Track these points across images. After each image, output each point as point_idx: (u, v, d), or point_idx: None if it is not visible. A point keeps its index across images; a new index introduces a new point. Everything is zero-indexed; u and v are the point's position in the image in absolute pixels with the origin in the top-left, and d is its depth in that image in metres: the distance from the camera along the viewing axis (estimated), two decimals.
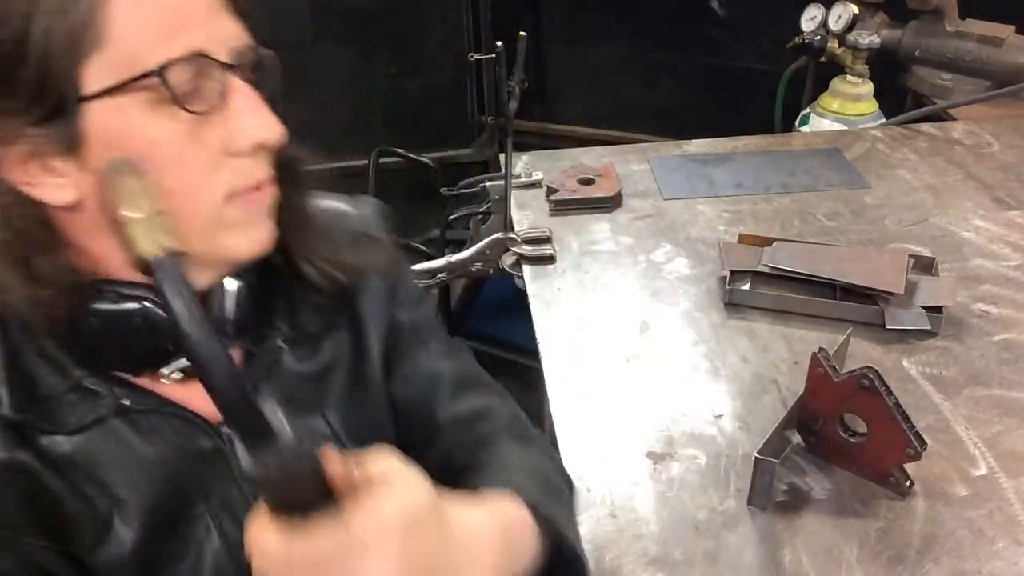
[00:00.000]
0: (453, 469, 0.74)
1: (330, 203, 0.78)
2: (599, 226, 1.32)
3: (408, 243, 1.97)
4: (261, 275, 0.68)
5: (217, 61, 0.55)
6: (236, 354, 0.70)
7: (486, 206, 1.40)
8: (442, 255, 1.32)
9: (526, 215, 1.36)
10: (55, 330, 0.60)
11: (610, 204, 1.36)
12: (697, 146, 1.56)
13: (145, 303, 0.60)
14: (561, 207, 1.36)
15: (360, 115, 2.42)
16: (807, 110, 1.90)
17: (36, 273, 0.58)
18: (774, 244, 1.16)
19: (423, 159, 2.21)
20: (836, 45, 1.88)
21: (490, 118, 2.40)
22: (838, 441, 0.86)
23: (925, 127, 1.60)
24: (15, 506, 0.59)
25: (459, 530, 0.53)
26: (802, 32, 1.94)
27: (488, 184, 1.39)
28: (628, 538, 0.82)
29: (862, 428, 0.85)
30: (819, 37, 1.89)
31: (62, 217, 0.59)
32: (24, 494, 0.60)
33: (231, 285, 0.66)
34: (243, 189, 0.59)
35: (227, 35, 0.57)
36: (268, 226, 0.63)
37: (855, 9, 1.85)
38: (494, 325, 2.21)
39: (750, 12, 2.31)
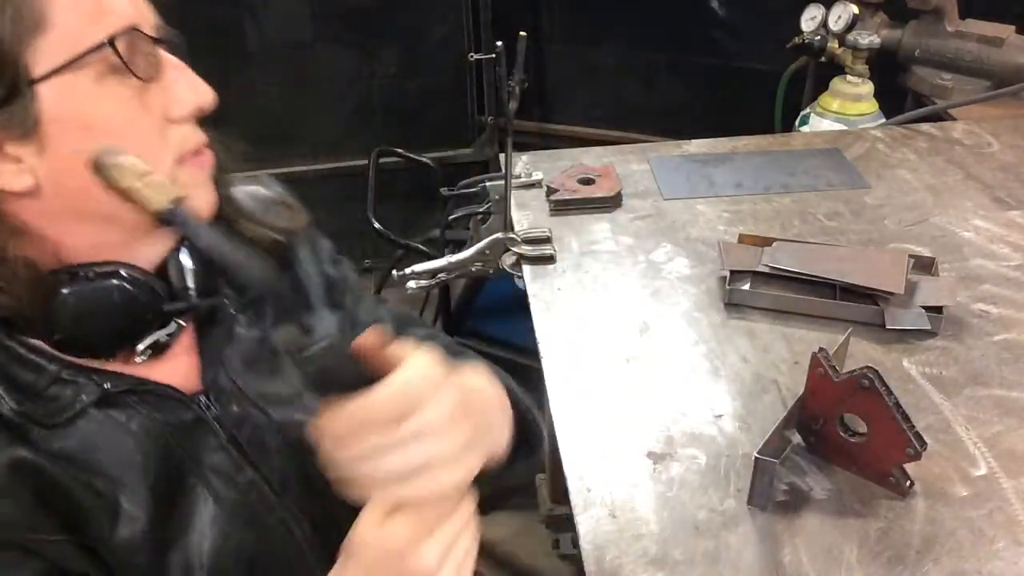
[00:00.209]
0: None
1: (238, 179, 0.82)
2: (599, 226, 1.32)
3: (408, 243, 1.97)
4: None
5: (148, 35, 0.61)
6: (190, 332, 0.73)
7: (486, 206, 1.40)
8: (442, 255, 1.32)
9: (526, 215, 1.36)
10: (31, 325, 0.62)
11: (610, 204, 1.36)
12: (697, 146, 1.56)
13: (120, 276, 0.63)
14: (561, 207, 1.36)
15: (360, 115, 2.42)
16: (807, 110, 1.90)
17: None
18: (774, 244, 1.16)
19: (423, 159, 2.21)
20: (836, 45, 1.88)
21: (490, 118, 2.40)
22: (838, 441, 0.86)
23: (925, 127, 1.60)
24: (29, 505, 0.61)
25: (476, 397, 0.65)
26: (802, 32, 1.94)
27: (488, 184, 1.39)
28: (628, 538, 0.82)
29: (862, 428, 0.85)
30: (819, 37, 1.89)
31: (19, 204, 0.60)
32: (35, 491, 0.61)
33: (186, 256, 0.70)
34: (188, 153, 0.64)
35: (147, 15, 0.63)
36: (212, 190, 0.67)
37: (855, 9, 1.85)
38: (494, 325, 2.21)
39: (750, 12, 2.31)
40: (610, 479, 0.88)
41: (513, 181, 1.40)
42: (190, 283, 0.70)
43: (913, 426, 0.81)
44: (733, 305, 1.12)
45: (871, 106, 1.80)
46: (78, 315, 0.62)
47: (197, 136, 0.66)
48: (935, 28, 1.80)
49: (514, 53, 1.21)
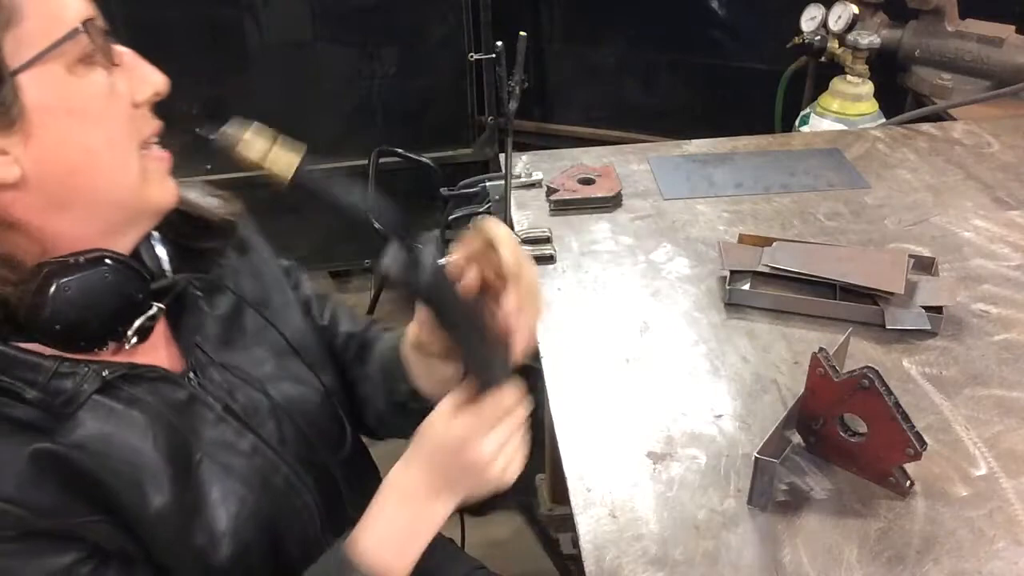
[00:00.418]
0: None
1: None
2: (599, 226, 1.32)
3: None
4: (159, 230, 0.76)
5: (102, 27, 0.64)
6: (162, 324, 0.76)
7: (486, 206, 1.40)
8: (442, 255, 1.32)
9: (526, 215, 1.36)
10: (25, 325, 0.64)
11: (610, 204, 1.36)
12: (697, 146, 1.56)
13: (107, 261, 0.66)
14: (561, 207, 1.36)
15: (360, 115, 2.42)
16: (807, 110, 1.90)
17: None
18: (774, 244, 1.16)
19: (423, 159, 2.21)
20: (836, 45, 1.88)
21: (490, 118, 2.39)
22: (838, 441, 0.86)
23: (925, 127, 1.60)
24: (57, 492, 0.63)
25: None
26: (802, 32, 1.94)
27: (488, 184, 1.39)
28: (628, 538, 0.82)
29: (862, 428, 0.85)
30: (819, 37, 1.89)
31: (6, 197, 0.63)
32: (61, 478, 0.63)
33: (157, 243, 0.75)
34: (149, 136, 0.69)
35: (94, 10, 0.65)
36: (173, 183, 0.72)
37: (855, 9, 1.85)
38: None
39: (750, 12, 2.31)
40: (610, 479, 0.88)
41: (513, 181, 1.40)
42: (166, 266, 0.75)
43: (913, 426, 0.81)
44: (733, 305, 1.12)
45: (871, 106, 1.80)
46: (79, 302, 0.64)
47: (155, 121, 0.70)
48: (935, 28, 1.80)
49: (514, 53, 1.21)
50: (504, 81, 1.27)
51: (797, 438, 0.91)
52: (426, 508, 0.73)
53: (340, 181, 0.63)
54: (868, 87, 1.80)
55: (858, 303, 1.08)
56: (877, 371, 0.81)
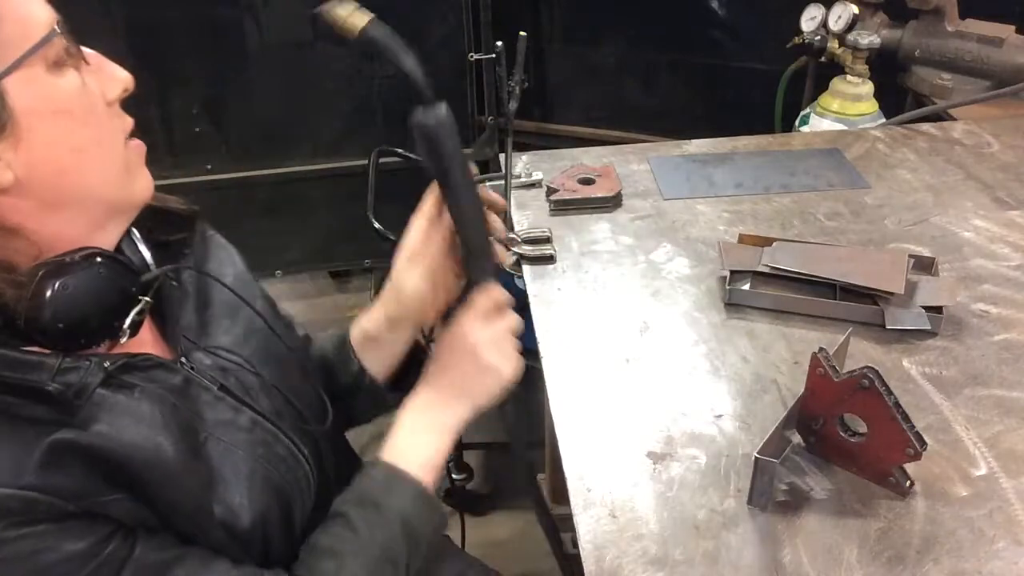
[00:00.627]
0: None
1: None
2: (599, 226, 1.32)
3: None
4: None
5: (66, 31, 0.66)
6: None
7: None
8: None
9: (526, 215, 1.36)
10: (26, 327, 0.64)
11: (610, 204, 1.36)
12: (697, 146, 1.56)
13: (99, 258, 0.68)
14: (561, 207, 1.36)
15: (360, 115, 2.42)
16: (807, 110, 1.90)
17: None
18: (774, 244, 1.16)
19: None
20: (836, 45, 1.87)
21: (490, 118, 2.39)
22: (838, 441, 0.86)
23: (925, 127, 1.60)
24: (80, 474, 0.65)
25: None
26: (802, 32, 1.94)
27: (488, 184, 1.39)
28: (628, 538, 0.82)
29: (862, 428, 0.85)
30: (819, 37, 1.89)
31: (1, 204, 0.64)
32: (82, 461, 0.65)
33: (138, 238, 0.78)
34: (127, 131, 0.72)
35: (57, 14, 0.67)
36: (148, 173, 0.75)
37: (855, 9, 1.85)
38: None
39: (750, 12, 2.31)
40: (610, 479, 0.88)
41: (513, 181, 1.40)
42: (149, 260, 0.78)
43: (913, 426, 0.81)
44: (733, 305, 1.13)
45: (871, 106, 1.80)
46: (78, 300, 0.66)
47: (128, 118, 0.73)
48: (935, 28, 1.80)
49: (514, 53, 1.21)
50: (504, 81, 1.27)
51: (797, 438, 0.91)
52: (443, 412, 0.87)
53: (400, 44, 0.81)
54: (868, 87, 1.80)
55: (858, 303, 1.08)
56: (877, 371, 0.81)
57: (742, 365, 1.03)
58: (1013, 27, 1.75)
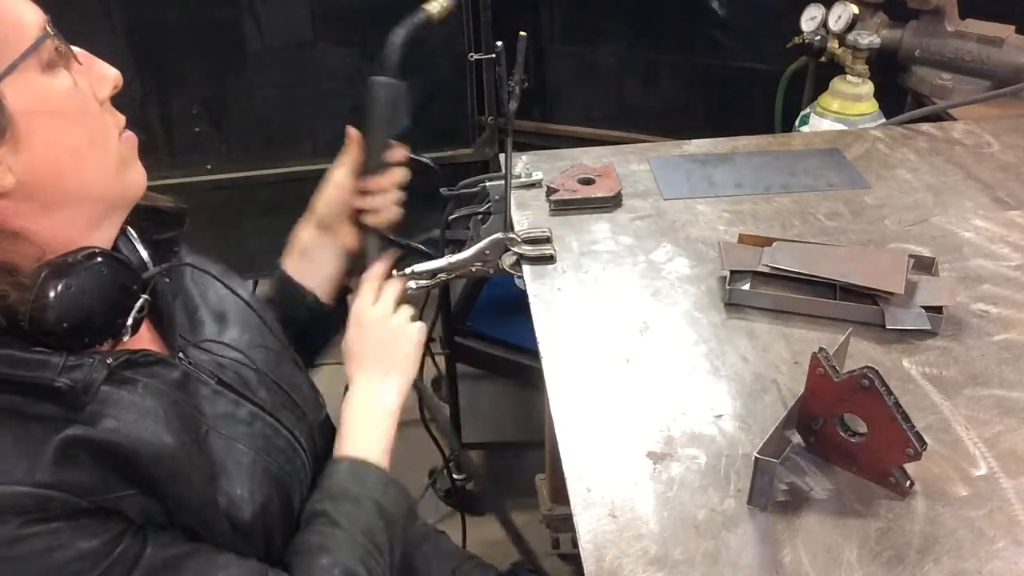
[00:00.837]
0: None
1: None
2: (599, 226, 1.32)
3: (408, 243, 1.96)
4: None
5: (55, 32, 0.67)
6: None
7: (486, 206, 1.40)
8: (442, 255, 1.32)
9: (526, 215, 1.36)
10: (36, 323, 0.65)
11: (610, 204, 1.36)
12: (697, 146, 1.56)
13: (99, 257, 0.69)
14: (561, 207, 1.36)
15: (360, 115, 2.43)
16: (807, 110, 1.90)
17: None
18: (774, 244, 1.16)
19: (423, 159, 2.21)
20: (836, 45, 1.87)
21: (490, 118, 2.39)
22: (838, 441, 0.86)
23: (925, 127, 1.60)
24: (93, 469, 0.66)
25: None
26: (802, 32, 1.94)
27: (488, 184, 1.39)
28: (628, 538, 0.82)
29: (862, 428, 0.85)
30: (819, 37, 1.89)
31: (3, 208, 0.65)
32: (94, 457, 0.66)
33: (134, 237, 0.79)
34: (120, 127, 0.72)
35: (46, 15, 0.68)
36: (140, 166, 0.76)
37: (855, 9, 1.85)
38: (494, 325, 2.21)
39: (750, 12, 2.31)
40: (610, 479, 0.88)
41: (513, 181, 1.40)
42: (146, 258, 0.80)
43: (913, 426, 0.81)
44: (733, 305, 1.12)
45: (871, 106, 1.80)
46: (82, 299, 0.66)
47: (120, 115, 0.74)
48: (935, 28, 1.80)
49: (514, 53, 1.21)
50: (504, 81, 1.26)
51: (797, 438, 0.91)
52: (382, 397, 0.95)
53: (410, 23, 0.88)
54: (868, 87, 1.80)
55: (858, 303, 1.08)
56: (877, 371, 0.81)
57: (742, 365, 1.03)
58: (1013, 27, 1.75)
